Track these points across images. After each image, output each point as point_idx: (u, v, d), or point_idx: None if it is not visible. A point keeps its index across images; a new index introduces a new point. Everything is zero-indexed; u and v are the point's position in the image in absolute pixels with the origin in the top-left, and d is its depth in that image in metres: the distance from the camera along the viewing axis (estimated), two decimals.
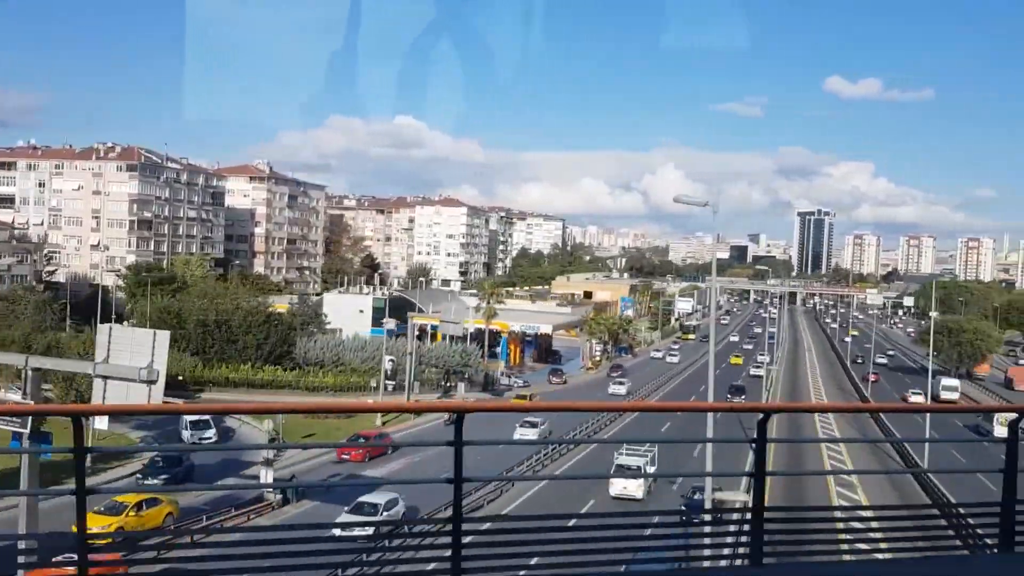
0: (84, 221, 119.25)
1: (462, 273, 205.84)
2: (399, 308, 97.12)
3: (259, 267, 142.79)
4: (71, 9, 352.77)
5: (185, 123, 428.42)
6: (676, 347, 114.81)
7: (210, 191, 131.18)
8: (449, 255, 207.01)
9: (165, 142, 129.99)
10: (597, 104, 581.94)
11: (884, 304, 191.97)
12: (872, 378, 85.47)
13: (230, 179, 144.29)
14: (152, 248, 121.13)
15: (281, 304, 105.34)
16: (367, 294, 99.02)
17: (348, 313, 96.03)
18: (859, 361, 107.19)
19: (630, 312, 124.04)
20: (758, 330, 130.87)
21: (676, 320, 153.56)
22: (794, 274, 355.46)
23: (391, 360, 62.92)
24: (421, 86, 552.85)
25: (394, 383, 67.78)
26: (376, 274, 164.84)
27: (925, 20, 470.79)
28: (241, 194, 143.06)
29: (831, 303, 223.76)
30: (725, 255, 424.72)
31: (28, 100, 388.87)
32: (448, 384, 75.46)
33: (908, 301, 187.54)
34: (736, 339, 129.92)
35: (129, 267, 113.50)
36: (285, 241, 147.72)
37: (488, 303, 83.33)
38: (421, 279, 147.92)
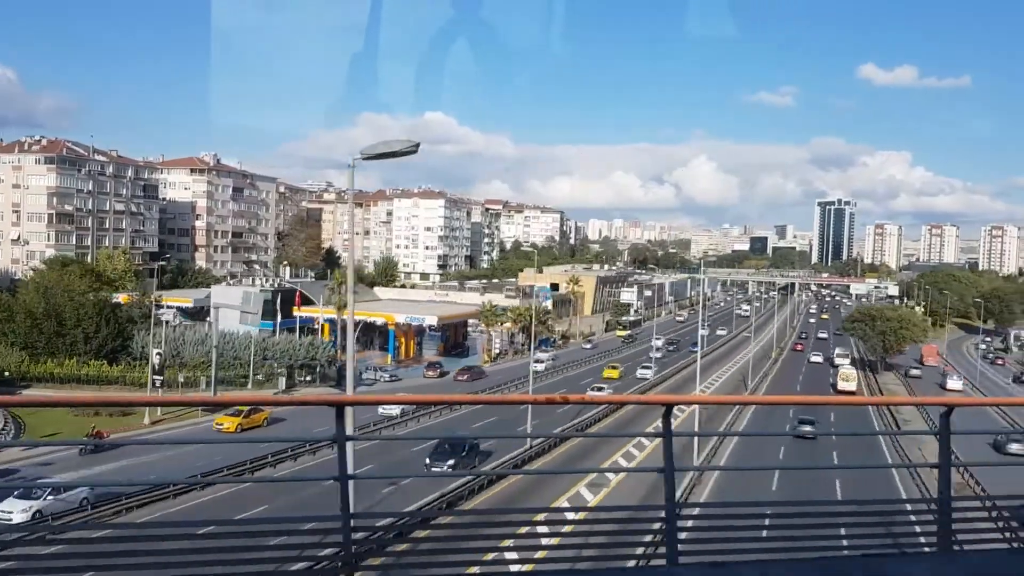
0: (5, 215, 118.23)
1: (441, 266, 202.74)
2: (289, 301, 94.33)
3: (201, 260, 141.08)
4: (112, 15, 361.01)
5: (219, 126, 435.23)
6: (590, 345, 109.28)
7: (140, 184, 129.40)
8: (427, 248, 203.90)
9: (91, 135, 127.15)
10: (628, 97, 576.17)
11: (869, 294, 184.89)
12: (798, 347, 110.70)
13: (171, 172, 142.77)
14: (74, 242, 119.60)
15: (183, 298, 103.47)
16: (254, 286, 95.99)
17: (235, 305, 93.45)
18: (803, 337, 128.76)
19: (549, 303, 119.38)
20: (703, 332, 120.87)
21: (630, 314, 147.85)
22: (813, 264, 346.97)
23: (158, 353, 59.53)
24: (450, 82, 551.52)
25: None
26: (327, 267, 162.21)
27: (960, 4, 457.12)
28: (182, 187, 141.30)
29: (833, 293, 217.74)
30: (745, 246, 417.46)
31: (61, 101, 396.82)
32: (294, 379, 72.27)
33: (892, 290, 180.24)
34: (659, 342, 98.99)
35: (45, 261, 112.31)
36: (230, 234, 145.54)
37: (338, 294, 79.67)
38: (357, 273, 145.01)
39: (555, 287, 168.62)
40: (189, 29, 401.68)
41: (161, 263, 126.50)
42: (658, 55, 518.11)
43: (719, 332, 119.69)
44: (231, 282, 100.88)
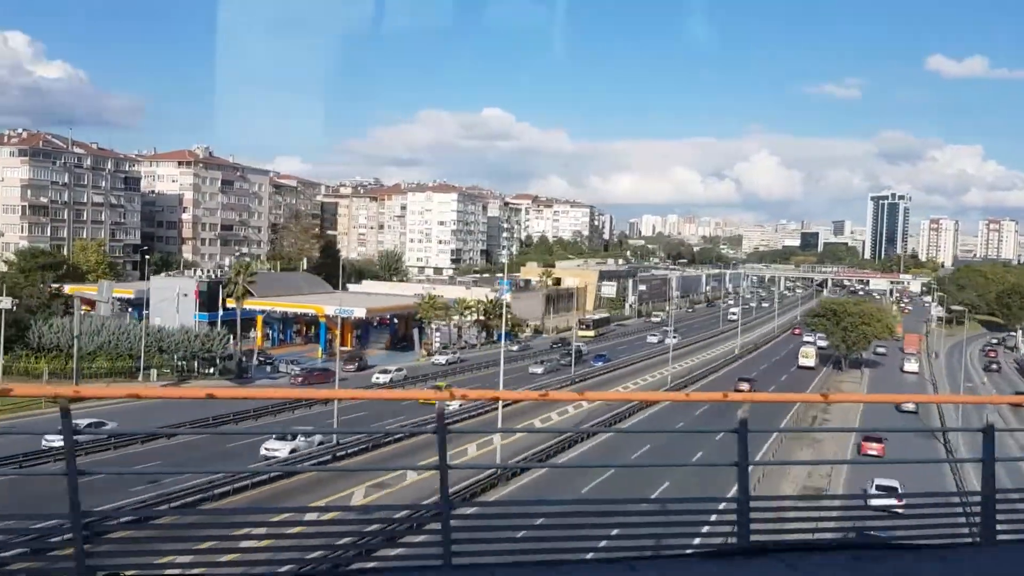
0: None
1: (454, 260, 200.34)
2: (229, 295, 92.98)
3: (188, 253, 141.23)
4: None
5: (277, 127, 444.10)
6: (517, 347, 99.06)
7: (121, 176, 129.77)
8: (440, 242, 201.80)
9: (70, 127, 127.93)
10: (686, 90, 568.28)
11: (888, 290, 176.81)
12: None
13: (160, 165, 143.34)
14: (48, 234, 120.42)
15: (126, 290, 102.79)
16: (193, 277, 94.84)
17: (171, 297, 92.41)
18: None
19: (507, 296, 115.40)
20: (651, 339, 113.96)
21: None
22: (862, 260, 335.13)
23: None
24: (509, 77, 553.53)
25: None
26: (326, 260, 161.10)
27: None
28: (170, 179, 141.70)
29: (856, 289, 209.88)
30: (797, 242, 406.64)
31: (126, 102, 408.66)
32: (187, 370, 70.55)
33: (915, 287, 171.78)
34: (586, 350, 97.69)
35: (17, 252, 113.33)
36: (219, 226, 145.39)
37: (237, 284, 77.71)
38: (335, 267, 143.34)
39: (557, 282, 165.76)
40: (245, 29, 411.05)
41: (140, 255, 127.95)
42: (717, 47, 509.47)
43: (669, 340, 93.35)
44: (171, 273, 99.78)
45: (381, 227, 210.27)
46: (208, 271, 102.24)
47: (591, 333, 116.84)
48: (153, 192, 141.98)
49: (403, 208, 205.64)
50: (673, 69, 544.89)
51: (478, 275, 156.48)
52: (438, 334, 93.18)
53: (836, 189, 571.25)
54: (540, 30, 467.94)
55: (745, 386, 71.89)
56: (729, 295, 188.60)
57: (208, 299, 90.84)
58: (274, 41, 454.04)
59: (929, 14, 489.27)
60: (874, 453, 51.13)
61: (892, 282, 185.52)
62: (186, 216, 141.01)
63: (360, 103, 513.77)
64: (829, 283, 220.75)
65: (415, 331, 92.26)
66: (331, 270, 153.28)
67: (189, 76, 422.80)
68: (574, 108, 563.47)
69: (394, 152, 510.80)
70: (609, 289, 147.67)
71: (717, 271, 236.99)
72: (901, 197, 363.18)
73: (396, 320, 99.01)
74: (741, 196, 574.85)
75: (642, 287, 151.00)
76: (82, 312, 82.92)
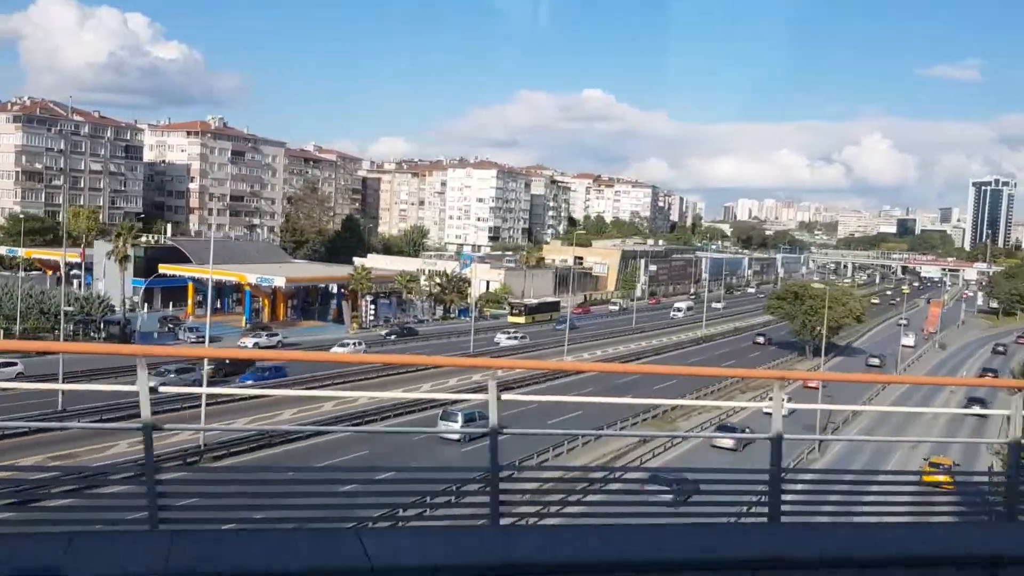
0: None
1: (492, 238, 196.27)
2: (165, 259, 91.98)
3: (195, 223, 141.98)
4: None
5: (380, 110, 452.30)
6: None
7: (122, 144, 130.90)
8: (479, 219, 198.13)
9: (70, 95, 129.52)
10: (793, 71, 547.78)
11: (940, 278, 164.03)
12: None
13: (170, 135, 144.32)
14: (43, 200, 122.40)
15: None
16: (135, 244, 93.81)
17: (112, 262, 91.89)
18: None
19: (468, 271, 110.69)
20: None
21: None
22: (960, 248, 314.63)
23: None
24: (608, 58, 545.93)
25: None
26: (347, 233, 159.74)
27: None
28: (179, 149, 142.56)
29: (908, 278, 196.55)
30: (892, 228, 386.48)
31: (236, 82, 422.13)
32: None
33: (969, 274, 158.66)
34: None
35: (8, 217, 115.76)
36: (228, 197, 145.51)
37: (121, 246, 75.52)
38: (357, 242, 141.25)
39: (579, 260, 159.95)
40: (349, 13, 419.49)
41: (140, 222, 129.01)
42: (824, 26, 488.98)
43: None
44: (109, 239, 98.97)
45: (421, 203, 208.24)
46: (157, 238, 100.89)
47: (521, 319, 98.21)
48: (164, 162, 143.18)
49: (443, 184, 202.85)
50: (779, 49, 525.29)
51: (502, 252, 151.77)
52: (372, 307, 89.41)
53: (949, 175, 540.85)
54: (644, 9, 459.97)
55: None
56: (763, 283, 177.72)
57: (145, 265, 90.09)
58: (381, 24, 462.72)
59: None
60: None
61: (943, 269, 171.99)
62: (193, 186, 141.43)
63: (460, 84, 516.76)
64: (898, 270, 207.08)
65: (342, 303, 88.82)
66: (354, 244, 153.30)
67: (296, 58, 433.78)
68: (676, 90, 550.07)
69: (492, 133, 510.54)
70: (600, 268, 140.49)
71: (765, 256, 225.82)
72: (1005, 183, 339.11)
73: (344, 291, 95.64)
74: (850, 181, 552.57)
75: (653, 268, 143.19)
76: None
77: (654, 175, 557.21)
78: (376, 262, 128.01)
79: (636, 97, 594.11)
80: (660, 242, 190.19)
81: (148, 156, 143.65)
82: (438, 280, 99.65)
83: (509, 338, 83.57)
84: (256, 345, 69.12)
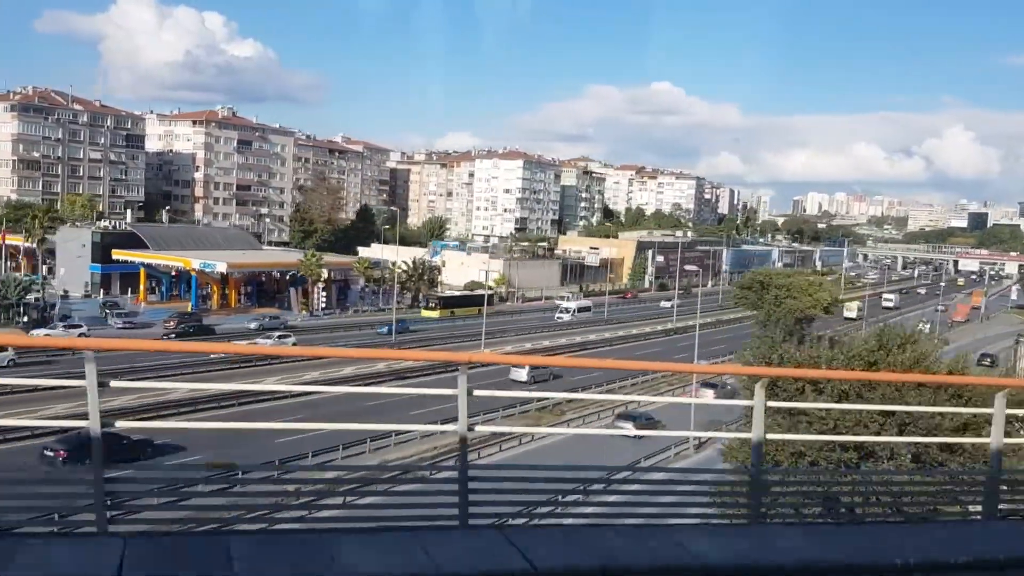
0: None
1: (519, 229, 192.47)
2: (123, 244, 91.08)
3: (200, 212, 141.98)
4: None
5: (452, 102, 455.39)
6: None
7: (122, 133, 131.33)
8: (505, 210, 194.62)
9: (71, 84, 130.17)
10: (869, 62, 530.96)
11: (980, 271, 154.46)
12: None
13: (177, 124, 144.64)
14: (41, 188, 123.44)
15: None
16: (91, 228, 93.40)
17: (74, 248, 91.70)
18: None
19: (437, 259, 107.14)
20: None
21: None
22: None
23: None
24: (679, 51, 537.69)
25: None
26: (362, 223, 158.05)
27: None
28: (185, 138, 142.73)
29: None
30: (963, 223, 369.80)
31: (309, 80, 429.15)
32: None
33: (1011, 268, 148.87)
34: None
35: (4, 205, 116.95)
36: (234, 187, 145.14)
37: (36, 230, 74.24)
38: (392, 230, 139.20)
39: (595, 250, 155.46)
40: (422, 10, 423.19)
41: (143, 211, 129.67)
42: (905, 17, 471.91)
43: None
44: (79, 225, 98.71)
45: (449, 194, 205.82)
46: (113, 223, 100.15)
47: (435, 313, 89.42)
48: (171, 151, 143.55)
49: (470, 175, 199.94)
50: (857, 40, 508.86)
51: (519, 243, 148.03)
52: (324, 294, 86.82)
53: None
54: (715, 4, 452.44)
55: None
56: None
57: (101, 251, 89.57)
58: (448, 20, 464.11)
59: None
60: None
61: (982, 263, 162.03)
62: (198, 175, 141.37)
63: (531, 78, 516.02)
64: (950, 265, 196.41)
65: (291, 290, 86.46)
66: (368, 234, 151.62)
67: (369, 56, 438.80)
68: (748, 82, 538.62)
69: (561, 127, 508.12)
70: (592, 258, 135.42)
71: (797, 248, 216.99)
72: None
73: (302, 276, 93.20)
74: (930, 174, 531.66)
75: (660, 258, 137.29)
76: None
77: (725, 168, 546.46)
78: (379, 252, 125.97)
79: (706, 90, 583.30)
80: (689, 234, 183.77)
81: (157, 146, 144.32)
82: (404, 268, 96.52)
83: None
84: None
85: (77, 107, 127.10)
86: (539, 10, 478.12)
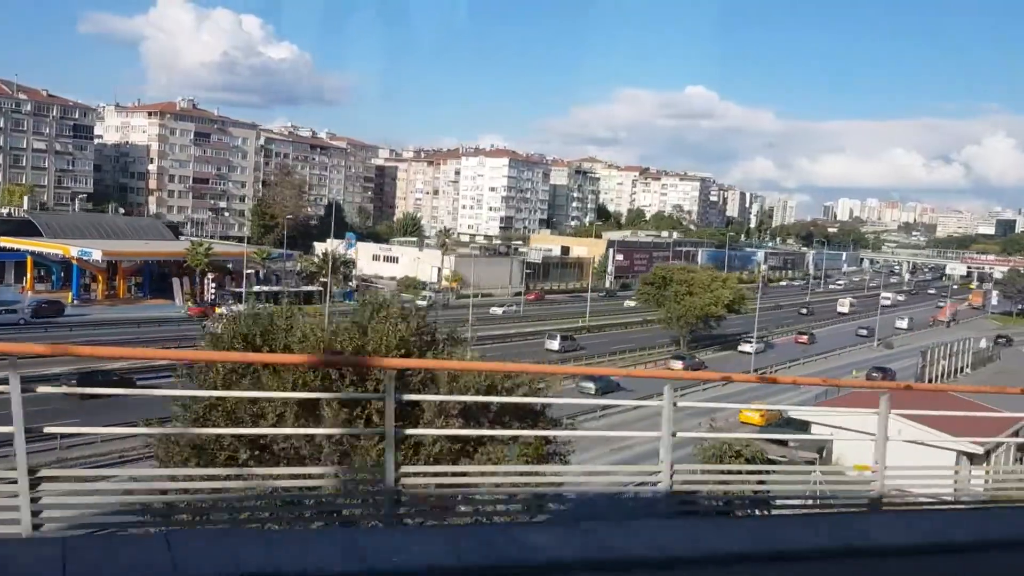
0: None
1: (504, 228, 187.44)
2: (16, 232, 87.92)
3: (154, 204, 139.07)
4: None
5: (485, 105, 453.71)
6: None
7: (69, 124, 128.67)
8: (491, 209, 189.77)
9: (15, 72, 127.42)
10: (906, 67, 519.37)
11: (969, 274, 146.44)
12: None
13: (133, 115, 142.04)
14: None
15: None
16: None
17: None
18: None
19: (351, 252, 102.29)
20: None
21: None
22: None
23: None
24: (712, 55, 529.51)
25: None
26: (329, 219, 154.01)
27: None
28: (140, 130, 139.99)
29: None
30: (991, 230, 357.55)
31: (341, 82, 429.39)
32: None
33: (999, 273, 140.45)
34: None
35: None
36: (190, 180, 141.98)
37: None
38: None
39: (565, 250, 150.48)
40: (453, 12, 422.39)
41: (91, 202, 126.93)
42: (941, 18, 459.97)
43: None
44: None
45: (435, 192, 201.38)
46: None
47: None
48: (127, 143, 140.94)
49: (457, 173, 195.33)
50: (894, 44, 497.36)
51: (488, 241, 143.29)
52: (213, 285, 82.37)
53: None
54: (751, 7, 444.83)
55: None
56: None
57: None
58: (478, 22, 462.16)
59: None
60: None
61: (970, 268, 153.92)
62: (152, 167, 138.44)
63: (562, 82, 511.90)
64: (956, 269, 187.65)
65: (174, 281, 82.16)
66: (337, 229, 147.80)
67: (400, 59, 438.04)
68: (783, 86, 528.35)
69: (592, 131, 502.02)
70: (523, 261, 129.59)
71: (788, 250, 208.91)
72: None
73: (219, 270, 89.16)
74: (970, 181, 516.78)
75: (620, 257, 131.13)
76: None
77: (759, 173, 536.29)
78: (334, 247, 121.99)
79: (741, 94, 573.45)
80: (675, 234, 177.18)
81: (114, 138, 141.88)
82: (315, 261, 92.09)
83: None
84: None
85: (22, 96, 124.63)
86: (567, 12, 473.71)
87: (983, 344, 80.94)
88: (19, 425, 4.39)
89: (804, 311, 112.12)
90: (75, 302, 78.69)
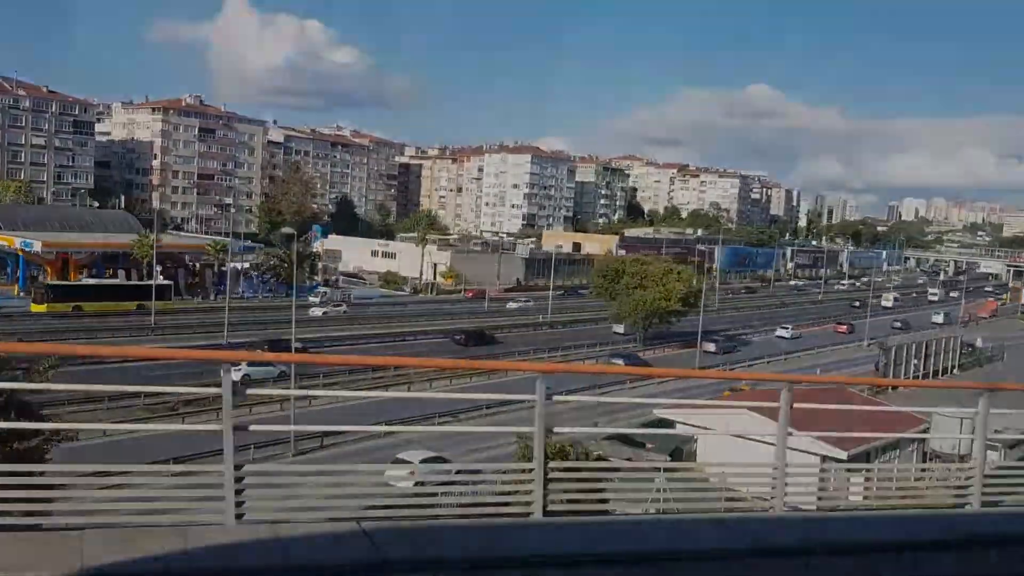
0: None
1: (527, 225, 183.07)
2: None
3: (158, 200, 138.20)
4: None
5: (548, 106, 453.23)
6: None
7: (69, 120, 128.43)
8: (513, 206, 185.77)
9: (15, 69, 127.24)
10: (978, 64, 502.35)
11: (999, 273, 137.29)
12: None
13: (138, 112, 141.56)
14: None
15: None
16: None
17: None
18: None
19: (318, 246, 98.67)
20: None
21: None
22: None
23: None
24: (777, 52, 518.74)
25: None
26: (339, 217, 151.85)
27: None
28: (144, 127, 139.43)
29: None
30: None
31: (403, 85, 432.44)
32: None
33: None
34: None
35: None
36: (195, 176, 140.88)
37: None
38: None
39: (577, 247, 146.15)
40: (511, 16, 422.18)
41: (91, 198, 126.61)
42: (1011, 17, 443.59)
43: None
44: None
45: (459, 190, 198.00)
46: None
47: (42, 308, 68.29)
48: (132, 139, 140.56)
49: (480, 170, 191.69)
50: (964, 40, 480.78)
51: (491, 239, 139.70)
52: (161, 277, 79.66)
53: None
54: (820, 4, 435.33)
55: None
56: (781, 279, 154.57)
57: None
58: (540, 25, 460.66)
59: None
60: None
61: (1009, 265, 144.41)
62: (156, 163, 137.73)
63: (623, 82, 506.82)
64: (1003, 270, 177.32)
65: (120, 272, 79.73)
66: (345, 226, 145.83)
67: (463, 63, 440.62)
68: (851, 86, 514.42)
69: (653, 132, 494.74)
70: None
71: (810, 248, 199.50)
72: None
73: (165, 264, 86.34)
74: None
75: (623, 252, 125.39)
76: None
77: (826, 173, 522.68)
78: (339, 243, 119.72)
79: (807, 93, 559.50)
80: (699, 231, 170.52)
81: (120, 134, 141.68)
82: (280, 255, 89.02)
83: None
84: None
85: (21, 92, 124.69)
86: (632, 14, 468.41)
87: (979, 344, 74.06)
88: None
89: (856, 304, 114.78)
90: (21, 294, 76.90)
